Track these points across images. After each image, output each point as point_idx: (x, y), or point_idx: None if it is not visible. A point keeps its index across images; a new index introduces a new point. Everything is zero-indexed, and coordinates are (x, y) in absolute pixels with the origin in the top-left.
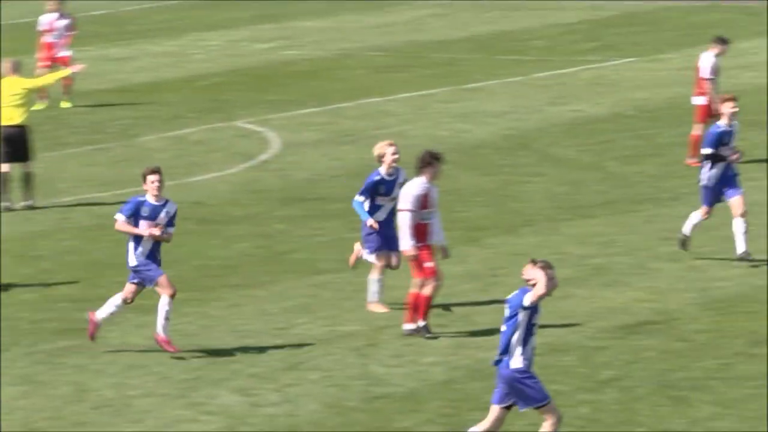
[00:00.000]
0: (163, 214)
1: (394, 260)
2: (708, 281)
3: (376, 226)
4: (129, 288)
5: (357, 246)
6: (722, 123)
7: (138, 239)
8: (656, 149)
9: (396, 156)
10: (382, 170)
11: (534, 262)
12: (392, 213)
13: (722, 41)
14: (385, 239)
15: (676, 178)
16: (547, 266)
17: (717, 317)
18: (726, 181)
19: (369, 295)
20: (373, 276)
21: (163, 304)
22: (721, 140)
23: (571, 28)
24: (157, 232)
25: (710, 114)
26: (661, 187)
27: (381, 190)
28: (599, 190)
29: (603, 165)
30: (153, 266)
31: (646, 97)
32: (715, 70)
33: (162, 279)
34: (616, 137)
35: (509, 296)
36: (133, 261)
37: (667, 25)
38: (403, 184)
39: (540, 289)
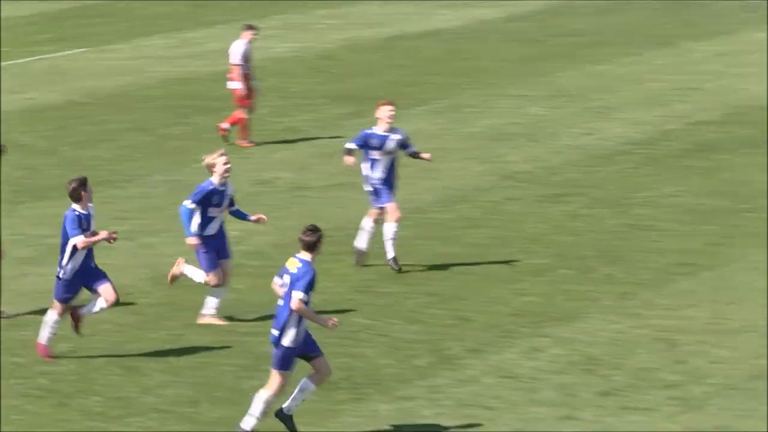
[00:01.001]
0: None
1: (226, 268)
2: (158, 257)
3: (197, 243)
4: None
5: (180, 260)
6: (378, 128)
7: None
8: (108, 134)
9: (228, 166)
10: (214, 180)
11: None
12: (223, 225)
13: (252, 28)
14: (218, 253)
15: (129, 161)
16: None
17: (168, 291)
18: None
19: (205, 308)
20: (211, 289)
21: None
22: (369, 142)
23: (27, 20)
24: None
25: (246, 97)
26: (114, 170)
27: (214, 201)
28: (55, 173)
29: (58, 150)
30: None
31: (98, 85)
32: (246, 57)
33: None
34: (70, 123)
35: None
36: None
37: (117, 17)
38: (232, 196)
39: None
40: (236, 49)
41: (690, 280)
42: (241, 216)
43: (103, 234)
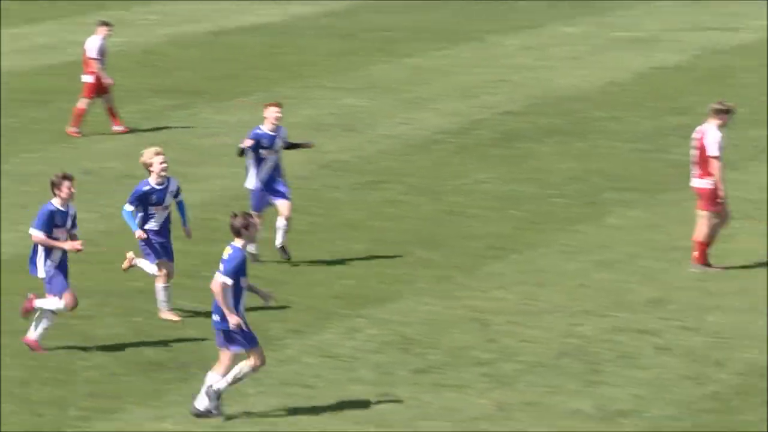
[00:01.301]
0: (69, 220)
1: (170, 270)
2: None
3: (144, 236)
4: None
5: (130, 254)
6: (264, 126)
7: (49, 252)
8: None
9: (164, 165)
10: (152, 180)
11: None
12: (167, 221)
13: (107, 24)
14: (162, 248)
15: None
16: (250, 216)
17: None
18: (273, 185)
19: (159, 303)
20: (159, 284)
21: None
22: (259, 141)
23: None
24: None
25: (98, 91)
26: None
27: (152, 200)
28: None
29: None
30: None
31: None
32: (102, 51)
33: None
34: None
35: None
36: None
37: None
38: (175, 192)
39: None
40: (92, 44)
41: (500, 263)
42: (181, 214)
43: (66, 244)
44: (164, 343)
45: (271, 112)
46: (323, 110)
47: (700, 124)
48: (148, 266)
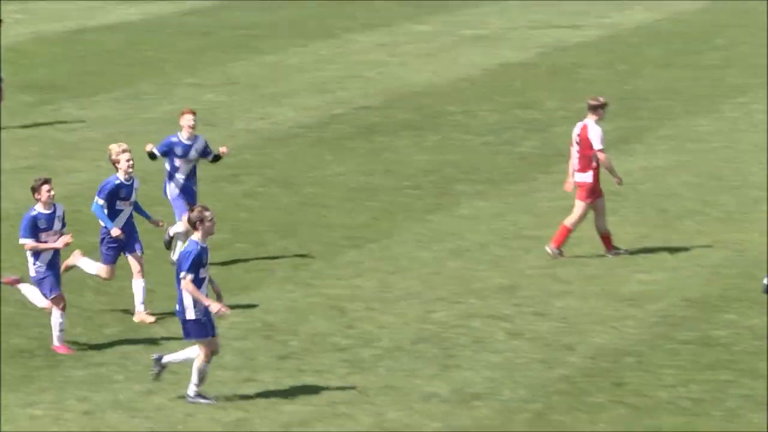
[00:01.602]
0: (57, 221)
1: (139, 261)
2: None
3: (122, 234)
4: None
5: (77, 253)
6: (182, 135)
7: (38, 254)
8: None
9: (130, 162)
10: (120, 176)
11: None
12: (131, 218)
13: None
14: (123, 246)
15: None
16: (204, 209)
17: None
18: (188, 192)
19: (136, 305)
20: (138, 280)
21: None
22: (173, 149)
23: None
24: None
25: None
26: None
27: (121, 194)
28: None
29: None
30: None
31: None
32: None
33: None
34: None
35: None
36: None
37: None
38: (137, 189)
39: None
40: None
41: (357, 251)
42: (141, 213)
43: (55, 243)
44: (33, 330)
45: (187, 120)
46: (184, 106)
47: (546, 118)
48: (90, 265)
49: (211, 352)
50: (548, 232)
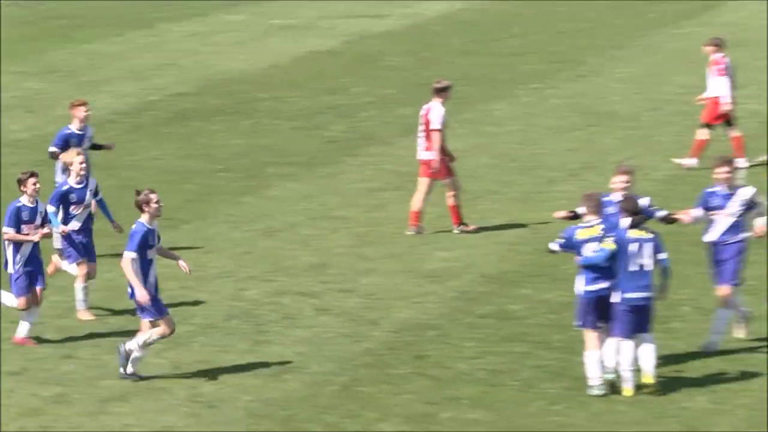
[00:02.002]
0: (38, 216)
1: (92, 270)
2: None
3: (67, 230)
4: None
5: (55, 258)
6: (73, 126)
7: (18, 246)
8: None
9: (83, 165)
10: (71, 180)
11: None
12: (89, 221)
13: None
14: (84, 248)
15: None
16: (150, 192)
17: None
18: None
19: (77, 303)
20: (78, 284)
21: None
22: (68, 141)
23: None
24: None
25: None
26: None
27: (73, 199)
28: None
29: None
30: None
31: None
32: None
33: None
34: None
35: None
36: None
37: None
38: (95, 190)
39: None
40: None
41: (172, 233)
42: (105, 212)
43: (33, 235)
44: None
45: (80, 111)
46: (7, 93)
47: (353, 102)
48: (68, 267)
49: (171, 331)
50: (355, 212)
